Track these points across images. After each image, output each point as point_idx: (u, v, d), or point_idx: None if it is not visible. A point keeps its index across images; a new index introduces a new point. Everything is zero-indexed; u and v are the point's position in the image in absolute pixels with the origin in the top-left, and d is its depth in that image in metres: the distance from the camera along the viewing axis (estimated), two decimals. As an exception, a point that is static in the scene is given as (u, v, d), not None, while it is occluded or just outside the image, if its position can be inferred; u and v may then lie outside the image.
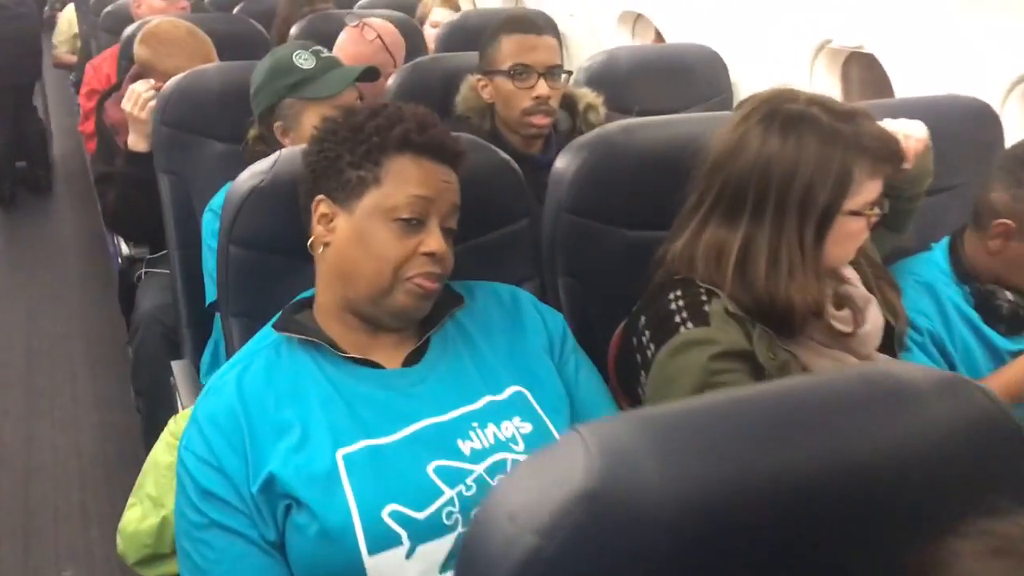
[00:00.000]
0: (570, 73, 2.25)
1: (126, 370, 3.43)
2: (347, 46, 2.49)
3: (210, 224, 1.74)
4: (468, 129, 1.58)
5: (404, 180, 1.22)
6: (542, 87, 2.06)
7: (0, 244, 4.84)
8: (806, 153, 1.23)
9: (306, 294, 1.31)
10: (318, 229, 1.24)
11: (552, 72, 2.09)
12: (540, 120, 2.08)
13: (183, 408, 1.77)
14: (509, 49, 2.09)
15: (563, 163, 1.57)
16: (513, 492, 0.64)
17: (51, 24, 6.28)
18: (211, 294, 1.73)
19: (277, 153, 1.47)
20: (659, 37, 3.28)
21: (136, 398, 2.59)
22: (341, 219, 1.23)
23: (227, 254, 1.40)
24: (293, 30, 3.05)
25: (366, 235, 1.21)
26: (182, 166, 2.18)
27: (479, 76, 2.16)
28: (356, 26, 2.54)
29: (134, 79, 2.48)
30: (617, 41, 3.33)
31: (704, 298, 1.26)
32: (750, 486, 0.64)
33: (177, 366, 1.96)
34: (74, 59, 5.29)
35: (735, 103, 2.61)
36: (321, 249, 1.24)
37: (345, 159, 1.23)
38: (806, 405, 0.70)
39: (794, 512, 0.64)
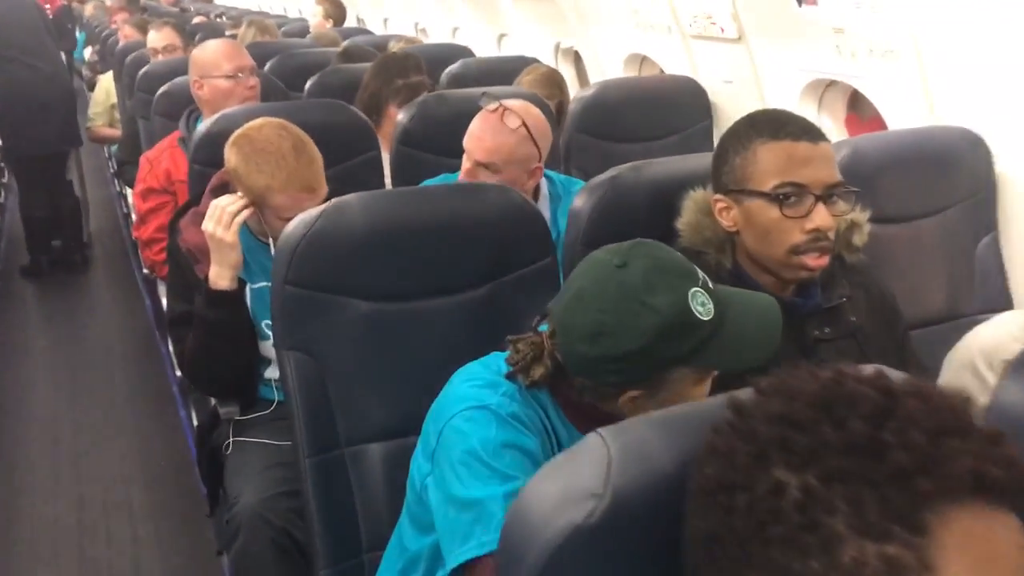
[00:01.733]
0: (856, 192, 1.58)
1: (169, 411, 3.69)
2: (486, 136, 2.14)
3: None
4: (700, 266, 1.31)
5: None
6: (821, 216, 1.48)
7: (40, 342, 4.51)
8: None
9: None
10: None
11: (832, 193, 1.50)
12: (815, 260, 1.50)
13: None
14: (772, 161, 1.50)
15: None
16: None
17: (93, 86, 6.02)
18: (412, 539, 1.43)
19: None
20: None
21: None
22: None
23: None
24: (400, 115, 2.66)
25: None
26: (313, 340, 1.61)
27: (718, 196, 1.56)
28: (495, 110, 2.16)
29: (217, 191, 2.10)
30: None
31: None
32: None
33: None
34: (113, 133, 5.22)
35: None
36: None
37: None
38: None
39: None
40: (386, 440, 1.63)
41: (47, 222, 5.10)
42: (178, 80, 3.37)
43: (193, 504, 2.98)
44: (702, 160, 1.77)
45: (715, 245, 1.59)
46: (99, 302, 4.88)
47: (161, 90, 3.37)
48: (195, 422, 3.23)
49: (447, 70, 3.57)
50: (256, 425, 2.15)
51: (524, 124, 2.14)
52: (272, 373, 2.22)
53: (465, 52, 4.20)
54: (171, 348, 2.32)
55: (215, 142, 2.29)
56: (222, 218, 1.95)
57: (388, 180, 2.69)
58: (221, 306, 2.01)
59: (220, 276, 2.00)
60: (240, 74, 3.05)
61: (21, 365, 4.18)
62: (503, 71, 3.43)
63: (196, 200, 2.25)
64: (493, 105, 2.19)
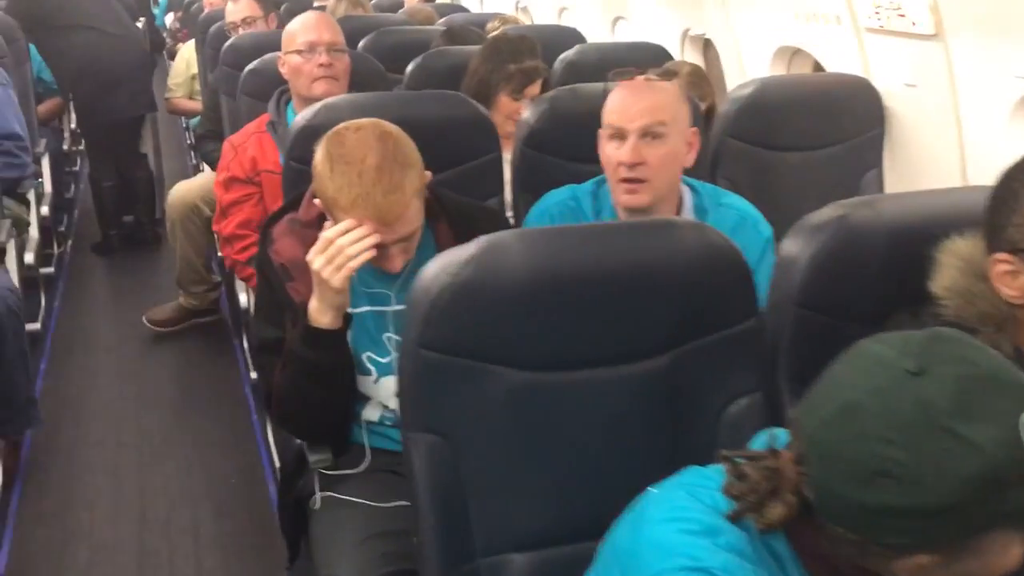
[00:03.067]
0: None
1: (240, 415, 3.38)
2: (642, 95, 1.86)
3: None
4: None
5: None
6: None
7: (107, 328, 4.17)
8: None
9: None
10: None
11: None
12: None
13: None
14: None
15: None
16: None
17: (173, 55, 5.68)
18: None
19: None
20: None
21: None
22: None
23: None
24: (527, 113, 2.35)
25: None
26: (449, 419, 1.25)
27: (1002, 256, 1.21)
28: (632, 78, 1.90)
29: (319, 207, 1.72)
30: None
31: None
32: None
33: None
34: (192, 106, 5.00)
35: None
36: None
37: None
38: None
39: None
40: (534, 550, 1.25)
41: (116, 192, 4.84)
42: (268, 57, 3.03)
43: (267, 539, 2.66)
44: (956, 198, 1.36)
45: (995, 321, 1.20)
46: (170, 288, 4.57)
47: (249, 67, 3.03)
48: (273, 451, 2.92)
49: (561, 57, 3.17)
50: (350, 479, 1.82)
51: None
52: (371, 414, 1.89)
53: (574, 36, 3.78)
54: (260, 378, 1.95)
55: (315, 136, 1.94)
56: (335, 258, 1.59)
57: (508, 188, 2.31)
58: (320, 347, 1.69)
59: (322, 313, 1.68)
60: (313, 50, 2.69)
61: (86, 352, 3.90)
62: (628, 60, 3.00)
63: (294, 204, 1.89)
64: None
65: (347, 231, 1.62)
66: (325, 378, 1.75)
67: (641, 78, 1.88)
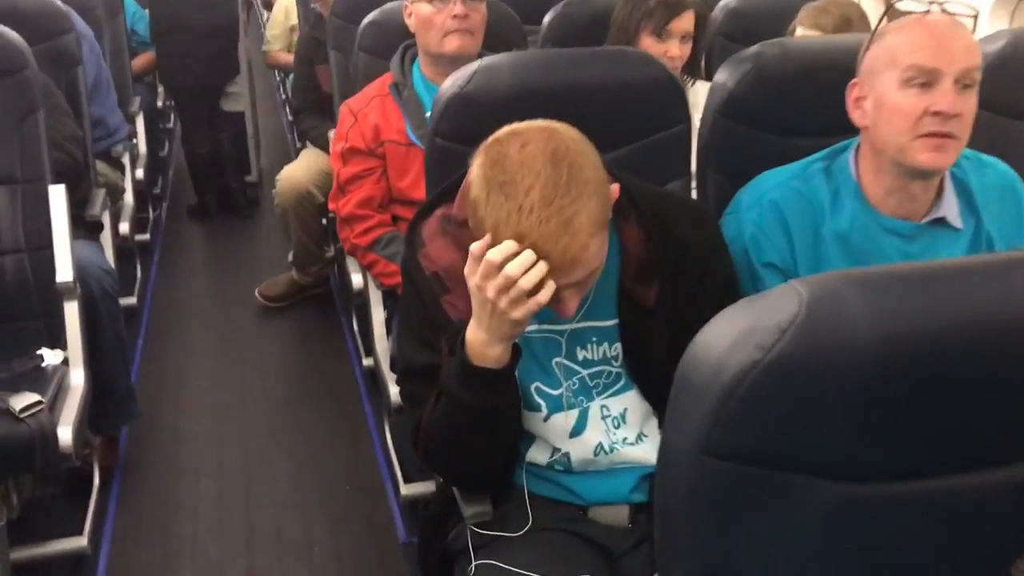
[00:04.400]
0: None
1: (350, 404, 3.07)
2: (957, 35, 1.46)
3: None
4: None
5: None
6: None
7: (205, 302, 3.91)
8: None
9: None
10: None
11: None
12: None
13: None
14: None
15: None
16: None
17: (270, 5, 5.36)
18: None
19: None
20: None
21: None
22: None
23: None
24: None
25: None
26: (734, 557, 0.83)
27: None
28: (927, 12, 1.49)
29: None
30: None
31: None
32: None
33: None
34: (290, 59, 4.78)
35: None
36: None
37: None
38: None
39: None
40: None
41: (210, 157, 4.58)
42: (390, 6, 2.63)
43: (388, 559, 2.35)
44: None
45: None
46: (268, 257, 4.29)
47: (369, 19, 2.63)
48: (393, 455, 2.59)
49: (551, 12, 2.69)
50: (513, 541, 1.48)
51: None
52: (538, 456, 1.55)
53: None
54: (406, 402, 1.59)
55: (467, 108, 1.57)
56: (508, 289, 1.25)
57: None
58: (484, 389, 1.37)
59: (487, 346, 1.34)
60: None
61: (184, 330, 3.62)
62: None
63: (445, 195, 1.51)
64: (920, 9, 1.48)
65: (513, 255, 1.25)
66: (487, 422, 1.42)
67: (941, 11, 1.47)
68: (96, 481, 2.49)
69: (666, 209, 1.51)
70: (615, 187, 1.34)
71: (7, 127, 2.39)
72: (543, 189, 1.25)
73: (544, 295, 1.26)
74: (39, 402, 2.03)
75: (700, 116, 1.80)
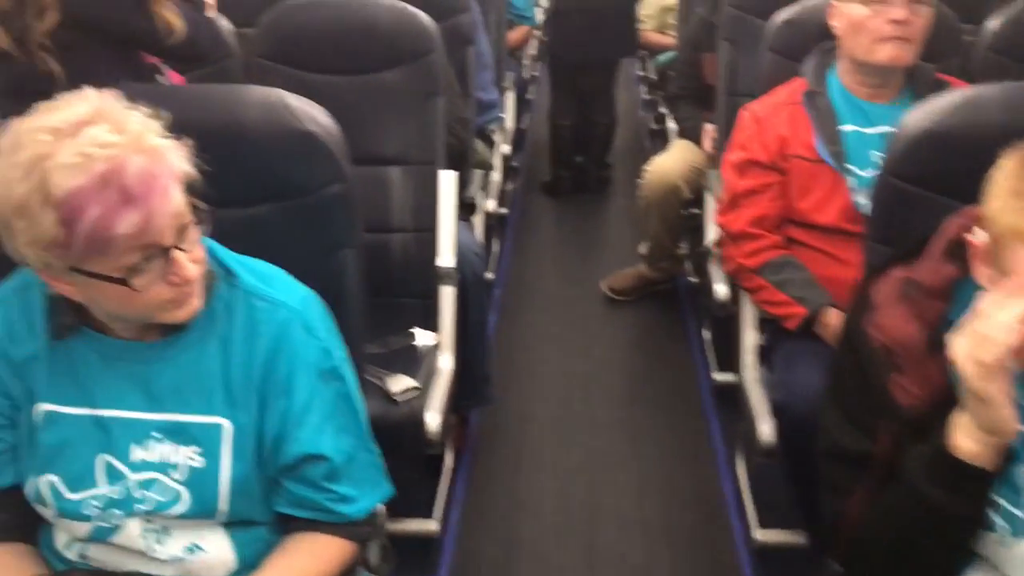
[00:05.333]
0: None
1: (693, 417, 2.92)
2: None
3: None
4: None
5: None
6: None
7: (552, 282, 3.85)
8: None
9: None
10: None
11: None
12: None
13: None
14: None
15: None
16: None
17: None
18: None
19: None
20: None
21: None
22: None
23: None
24: None
25: None
26: None
27: None
28: None
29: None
30: None
31: None
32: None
33: None
34: (662, 40, 4.57)
35: None
36: None
37: None
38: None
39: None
40: None
41: (573, 132, 4.60)
42: (810, 4, 2.36)
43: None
44: None
45: None
46: (616, 241, 4.20)
47: (784, 16, 2.37)
48: (744, 492, 2.39)
49: None
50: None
51: None
52: None
53: None
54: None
55: (943, 148, 1.31)
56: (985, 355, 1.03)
57: None
58: (959, 490, 1.14)
59: (977, 441, 1.11)
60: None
61: (534, 311, 3.62)
62: None
63: (910, 254, 1.27)
64: None
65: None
66: (949, 530, 1.17)
67: None
68: (448, 463, 2.53)
69: None
70: None
71: (408, 110, 2.43)
72: None
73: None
74: (416, 388, 2.05)
75: None
